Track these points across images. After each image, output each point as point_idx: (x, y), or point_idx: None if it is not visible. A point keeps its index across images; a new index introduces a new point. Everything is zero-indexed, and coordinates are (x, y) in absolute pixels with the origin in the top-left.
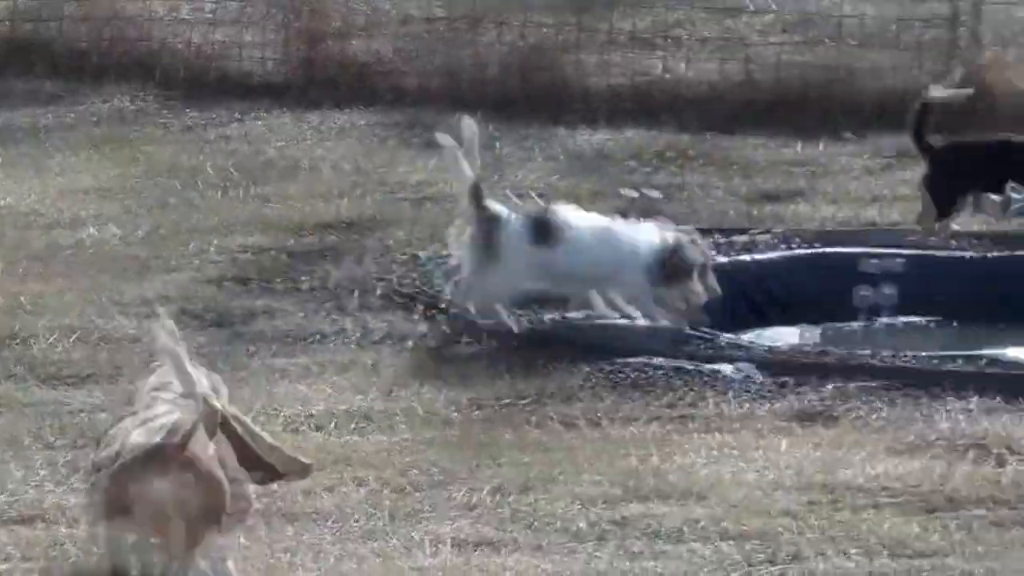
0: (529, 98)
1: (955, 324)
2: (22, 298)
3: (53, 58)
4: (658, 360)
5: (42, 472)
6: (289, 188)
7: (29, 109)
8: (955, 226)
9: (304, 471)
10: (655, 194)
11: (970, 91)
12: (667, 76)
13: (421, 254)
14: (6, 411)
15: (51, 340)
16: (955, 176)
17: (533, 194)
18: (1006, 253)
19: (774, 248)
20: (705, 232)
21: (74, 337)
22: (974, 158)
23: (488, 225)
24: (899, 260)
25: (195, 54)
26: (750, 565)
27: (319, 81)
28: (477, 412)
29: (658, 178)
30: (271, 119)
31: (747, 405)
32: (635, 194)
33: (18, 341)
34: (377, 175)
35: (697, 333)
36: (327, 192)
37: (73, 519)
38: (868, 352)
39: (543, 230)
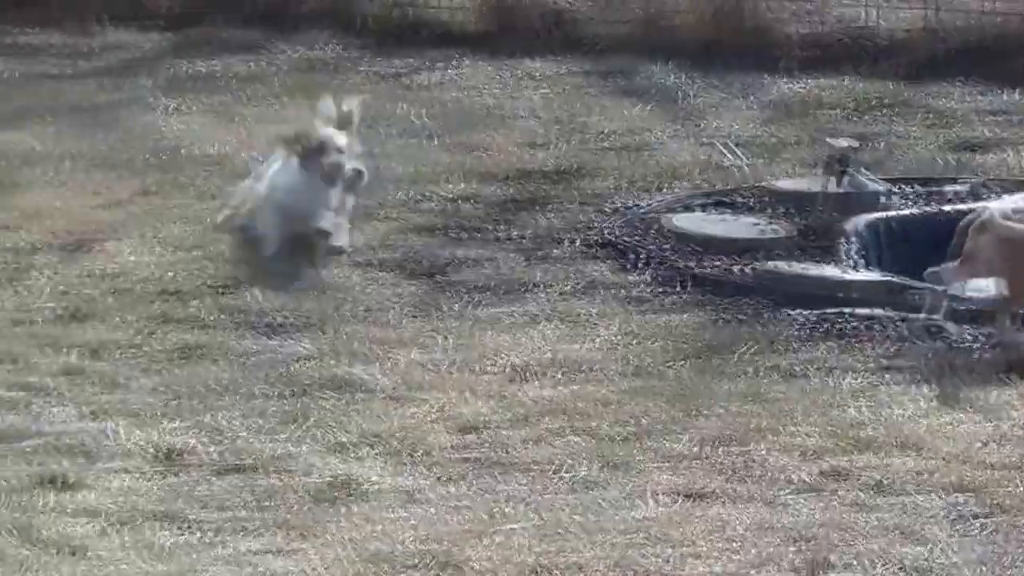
0: (728, 45)
1: None
2: (224, 247)
3: (250, 6)
4: (872, 310)
5: (257, 421)
6: (491, 136)
7: (224, 57)
8: None
9: None
10: (854, 143)
11: None
12: (871, 24)
13: (629, 203)
14: (219, 359)
15: (264, 290)
16: None
17: (723, 145)
18: None
19: (976, 198)
20: (903, 181)
21: (283, 286)
22: None
23: None
24: None
25: (391, 1)
26: (969, 517)
27: (515, 29)
28: (687, 362)
29: (859, 126)
30: (470, 68)
31: (963, 356)
32: (842, 143)
33: (228, 289)
34: (578, 123)
35: (915, 283)
36: (529, 141)
37: (287, 469)
38: None
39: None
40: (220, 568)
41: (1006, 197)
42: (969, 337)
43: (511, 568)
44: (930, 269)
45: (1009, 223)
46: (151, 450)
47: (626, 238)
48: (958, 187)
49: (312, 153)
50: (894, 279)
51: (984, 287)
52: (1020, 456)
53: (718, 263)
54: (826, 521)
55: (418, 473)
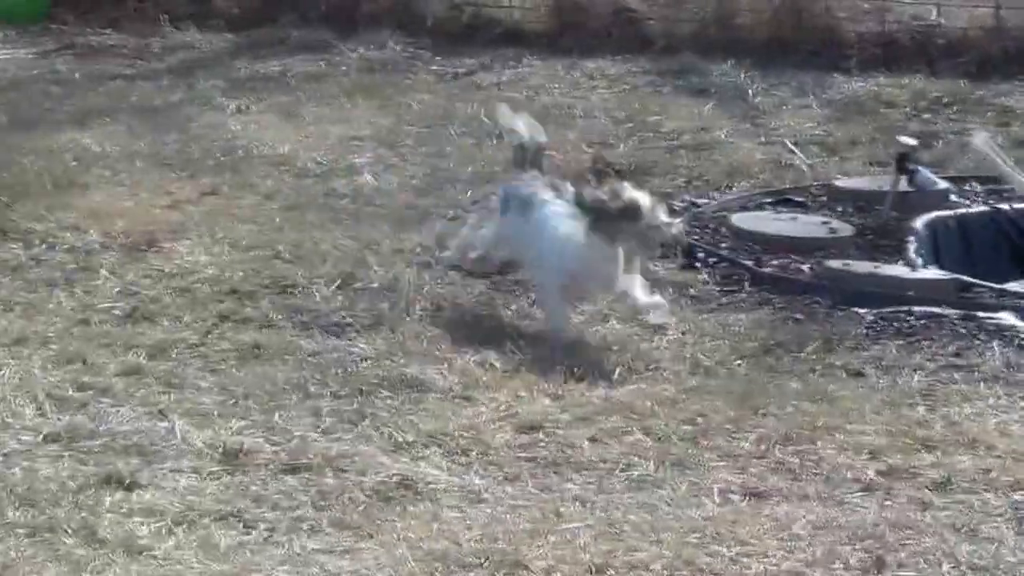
0: (793, 44)
1: None
2: (287, 247)
3: (316, 7)
4: (940, 309)
5: (319, 420)
6: (564, 136)
7: (289, 58)
8: None
9: None
10: (911, 141)
11: None
12: (935, 22)
13: (693, 201)
14: (281, 359)
15: (323, 288)
16: None
17: (788, 142)
18: None
19: None
20: (962, 180)
21: (345, 285)
22: None
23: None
24: None
25: (453, 1)
26: None
27: (580, 28)
28: (750, 360)
29: (922, 125)
30: (535, 67)
31: None
32: (912, 141)
33: (290, 289)
34: (642, 122)
35: (980, 282)
36: (602, 140)
37: (348, 469)
38: None
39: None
40: (280, 567)
41: None
42: None
43: (571, 567)
44: None
45: None
46: (213, 450)
47: (692, 237)
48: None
49: (620, 216)
50: (962, 277)
51: None
52: None
53: (781, 262)
54: (887, 520)
55: (479, 472)
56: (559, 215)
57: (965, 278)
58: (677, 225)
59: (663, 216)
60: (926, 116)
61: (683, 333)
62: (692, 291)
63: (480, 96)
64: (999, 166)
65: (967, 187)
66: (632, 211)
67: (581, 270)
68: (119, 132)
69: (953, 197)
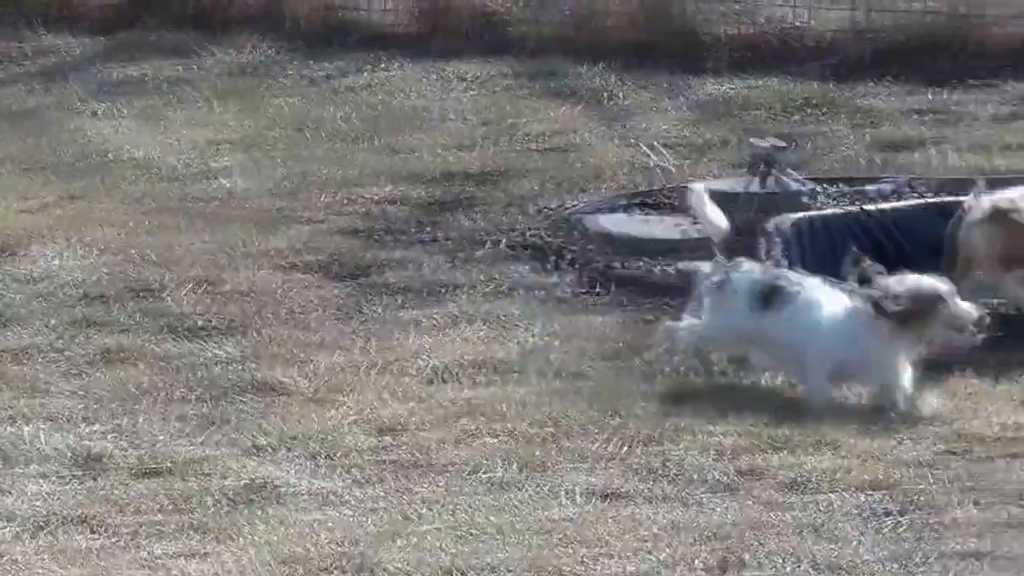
0: (658, 46)
1: None
2: (149, 251)
3: (180, 9)
4: None
5: (176, 424)
6: (418, 139)
7: (154, 61)
8: None
9: None
10: (780, 143)
11: None
12: (801, 24)
13: (551, 205)
14: (140, 363)
15: (184, 292)
16: None
17: (647, 146)
18: None
19: (900, 197)
20: (830, 181)
21: (206, 289)
22: None
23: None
24: None
25: (321, 5)
26: (882, 515)
27: (445, 31)
28: (608, 363)
29: (787, 127)
30: (398, 70)
31: None
32: (765, 143)
33: (151, 293)
34: (506, 125)
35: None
36: (456, 143)
37: (205, 472)
38: (996, 301)
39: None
40: (137, 571)
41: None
42: None
43: (425, 570)
44: None
45: None
46: (69, 454)
47: (549, 239)
48: (882, 186)
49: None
50: (821, 277)
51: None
52: (934, 454)
53: (640, 264)
54: (740, 520)
55: (335, 475)
56: (827, 302)
57: (826, 277)
58: (978, 311)
59: (962, 302)
60: (793, 117)
61: (543, 336)
62: (552, 293)
63: (344, 99)
64: None
65: (831, 188)
66: (930, 302)
67: (856, 359)
68: None
69: (817, 198)
